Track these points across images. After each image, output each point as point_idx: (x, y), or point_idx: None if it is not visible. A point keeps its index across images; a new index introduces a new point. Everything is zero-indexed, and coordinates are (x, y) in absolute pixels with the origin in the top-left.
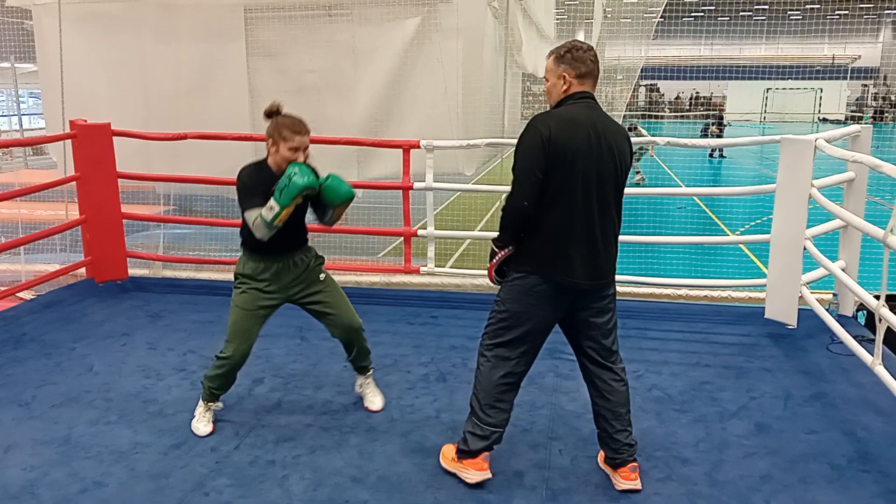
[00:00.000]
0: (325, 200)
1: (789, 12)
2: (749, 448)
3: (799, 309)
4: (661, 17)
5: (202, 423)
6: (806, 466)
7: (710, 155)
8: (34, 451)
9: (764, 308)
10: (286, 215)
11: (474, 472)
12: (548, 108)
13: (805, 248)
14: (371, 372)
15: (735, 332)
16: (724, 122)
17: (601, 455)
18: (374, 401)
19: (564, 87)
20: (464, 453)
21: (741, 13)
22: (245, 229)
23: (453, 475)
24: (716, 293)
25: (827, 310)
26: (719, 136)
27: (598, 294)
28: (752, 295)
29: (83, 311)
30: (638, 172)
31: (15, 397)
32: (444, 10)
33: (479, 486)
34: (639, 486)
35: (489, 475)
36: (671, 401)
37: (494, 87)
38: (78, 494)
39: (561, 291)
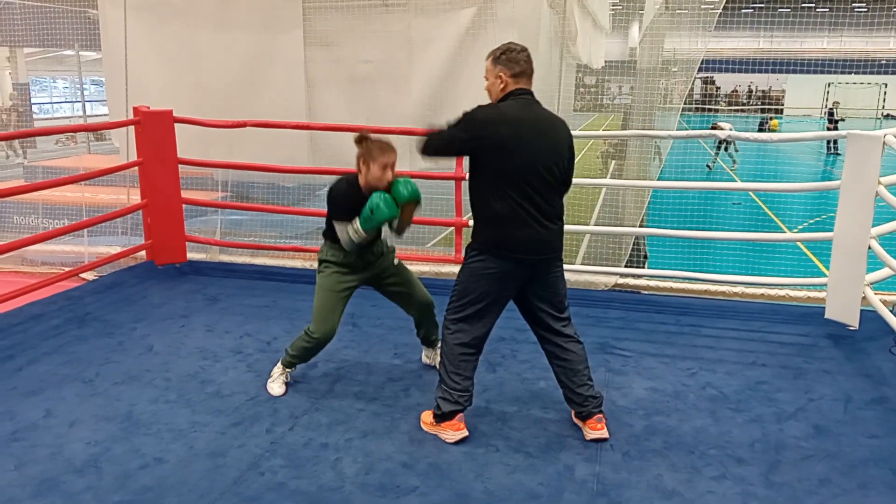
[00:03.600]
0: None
1: (854, 4)
2: (807, 450)
3: (861, 310)
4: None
5: (277, 385)
6: (866, 472)
7: (830, 150)
8: (97, 426)
9: (824, 308)
10: (369, 236)
11: (451, 432)
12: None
13: (869, 247)
14: (439, 344)
15: (793, 331)
16: (837, 116)
17: (572, 412)
18: None
19: (502, 86)
20: (439, 417)
21: (803, 5)
22: (330, 225)
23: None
24: (773, 291)
25: (891, 311)
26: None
27: (547, 268)
28: (812, 294)
29: (143, 293)
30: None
31: (79, 374)
32: (500, 1)
33: (517, 470)
34: (606, 436)
35: (466, 433)
36: (726, 400)
37: (548, 78)
38: (139, 470)
39: (514, 269)
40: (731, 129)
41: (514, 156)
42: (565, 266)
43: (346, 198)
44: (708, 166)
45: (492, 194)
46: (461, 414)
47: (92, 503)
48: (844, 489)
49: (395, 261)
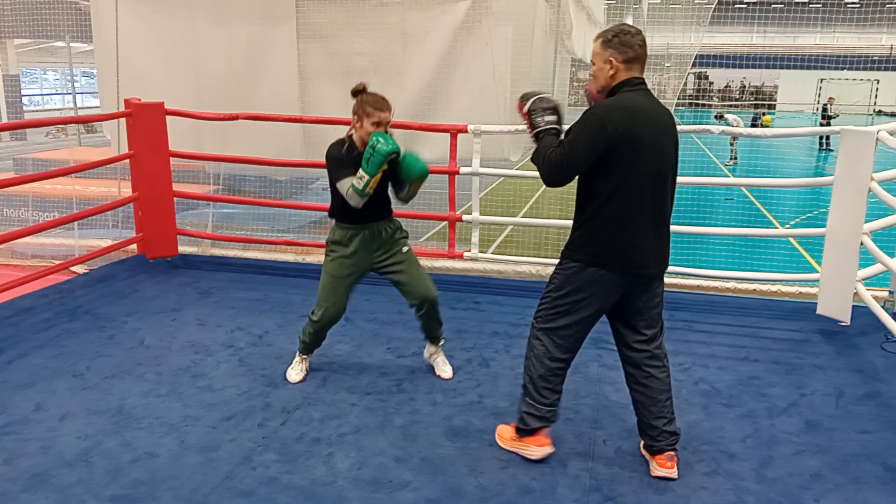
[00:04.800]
0: (402, 176)
1: (846, 0)
2: (799, 445)
3: (853, 305)
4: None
5: (294, 372)
6: (858, 467)
7: (822, 146)
8: (88, 420)
9: (816, 303)
10: (375, 182)
11: (536, 448)
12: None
13: (862, 243)
14: (441, 342)
15: (785, 327)
16: (831, 112)
17: (642, 441)
18: (445, 369)
19: (611, 72)
20: (524, 432)
21: (796, 0)
22: (334, 201)
23: (501, 458)
24: (765, 287)
25: (882, 307)
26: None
27: (652, 282)
28: (804, 290)
29: (135, 286)
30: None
31: (70, 368)
32: None
33: (510, 465)
34: (674, 475)
35: (551, 449)
36: (718, 395)
37: (543, 72)
38: (130, 464)
39: (620, 281)
40: (736, 121)
41: (639, 154)
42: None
43: (345, 155)
44: (736, 159)
45: (605, 196)
46: (547, 429)
47: (83, 497)
48: (836, 484)
49: (405, 248)
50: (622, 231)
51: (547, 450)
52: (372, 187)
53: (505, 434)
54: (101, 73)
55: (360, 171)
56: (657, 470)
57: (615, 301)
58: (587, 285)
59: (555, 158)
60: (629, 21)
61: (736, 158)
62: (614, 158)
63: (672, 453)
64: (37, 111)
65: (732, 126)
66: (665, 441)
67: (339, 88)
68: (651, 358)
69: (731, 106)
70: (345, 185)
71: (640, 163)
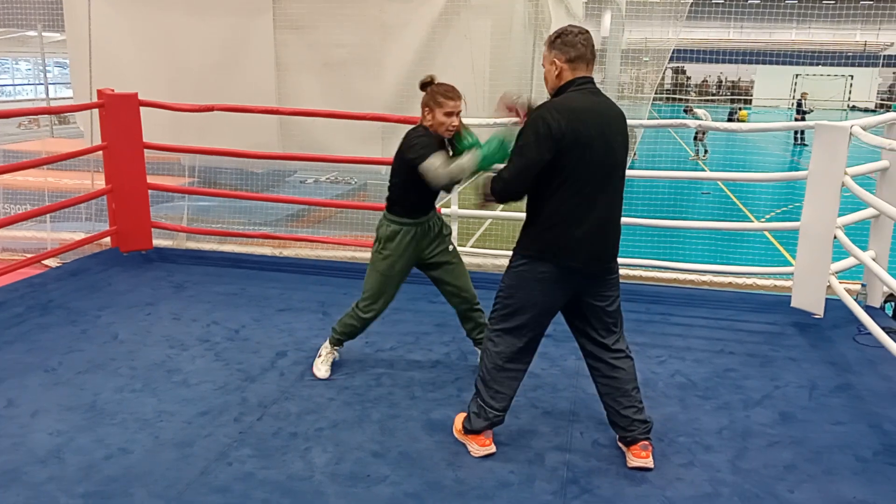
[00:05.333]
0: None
1: None
2: (773, 437)
3: (826, 298)
4: None
5: (324, 367)
6: (831, 458)
7: (797, 141)
8: (61, 416)
9: (790, 296)
10: (473, 175)
11: (477, 447)
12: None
13: (835, 237)
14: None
15: (760, 320)
16: (806, 108)
17: (617, 436)
18: None
19: (556, 73)
20: (468, 430)
21: None
22: (394, 192)
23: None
24: (741, 280)
25: (855, 300)
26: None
27: (603, 277)
28: (778, 283)
29: (108, 280)
30: (706, 151)
31: (42, 363)
32: None
33: (488, 458)
34: (650, 465)
35: (493, 450)
36: (694, 387)
37: (522, 65)
38: (103, 460)
39: (567, 277)
40: (705, 115)
41: (582, 153)
42: None
43: (429, 138)
44: (698, 156)
45: (549, 193)
46: (490, 431)
47: (55, 494)
48: (810, 475)
49: (451, 247)
50: (567, 228)
51: (489, 450)
52: (457, 179)
53: (458, 425)
54: (74, 64)
55: (472, 156)
56: (633, 461)
57: (568, 299)
58: (533, 283)
59: (505, 173)
60: (607, 16)
61: (706, 152)
62: (559, 157)
63: (646, 442)
64: (8, 101)
65: (702, 120)
66: (637, 430)
67: (318, 80)
68: (611, 351)
69: (707, 101)
70: (435, 163)
71: (585, 161)
